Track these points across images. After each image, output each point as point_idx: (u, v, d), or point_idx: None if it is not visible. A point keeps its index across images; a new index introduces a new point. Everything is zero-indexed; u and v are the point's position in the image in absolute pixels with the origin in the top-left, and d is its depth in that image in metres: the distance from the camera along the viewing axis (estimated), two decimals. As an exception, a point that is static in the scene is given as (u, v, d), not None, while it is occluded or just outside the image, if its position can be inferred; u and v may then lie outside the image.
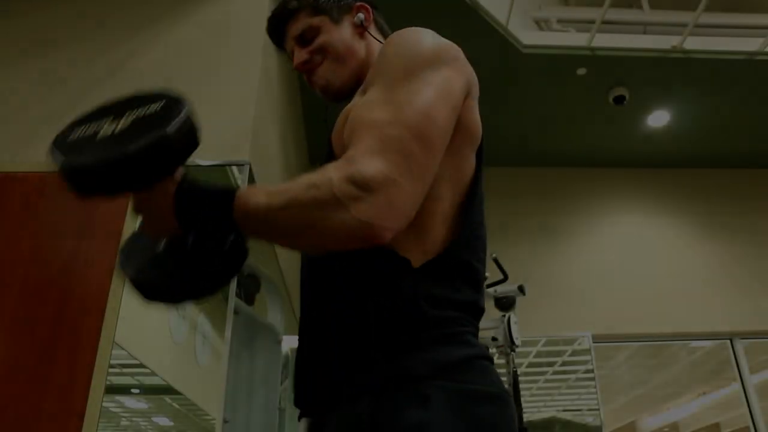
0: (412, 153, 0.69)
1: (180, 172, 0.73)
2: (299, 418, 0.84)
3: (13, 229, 2.02)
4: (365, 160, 0.67)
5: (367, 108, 0.76)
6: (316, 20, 0.99)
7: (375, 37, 1.03)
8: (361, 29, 1.01)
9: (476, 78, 0.86)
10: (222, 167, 2.17)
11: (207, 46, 2.44)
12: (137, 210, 0.75)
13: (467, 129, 0.83)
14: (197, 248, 0.72)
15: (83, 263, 1.97)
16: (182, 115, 0.70)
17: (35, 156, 2.17)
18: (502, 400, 0.74)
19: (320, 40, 0.98)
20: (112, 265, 1.95)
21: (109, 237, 1.99)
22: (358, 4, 1.03)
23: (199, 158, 2.17)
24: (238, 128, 2.24)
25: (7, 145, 2.22)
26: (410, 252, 0.77)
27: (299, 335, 0.86)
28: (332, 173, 0.66)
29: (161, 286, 0.75)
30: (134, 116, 0.73)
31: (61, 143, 0.73)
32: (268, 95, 2.61)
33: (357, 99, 0.86)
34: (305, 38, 1.00)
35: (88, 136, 0.73)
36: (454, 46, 0.84)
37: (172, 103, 0.73)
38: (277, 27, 1.03)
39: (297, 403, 0.84)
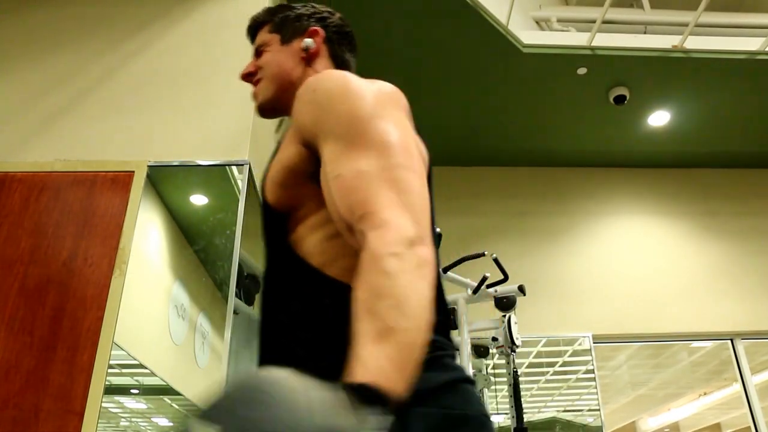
0: (414, 189, 0.69)
1: None
2: None
3: (13, 229, 2.02)
4: (397, 218, 0.65)
5: (347, 161, 0.72)
6: (268, 37, 1.03)
7: (318, 69, 1.00)
8: (305, 54, 1.00)
9: (407, 102, 0.85)
10: (222, 167, 2.17)
11: (207, 46, 2.44)
12: None
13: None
14: None
15: (83, 263, 1.96)
16: None
17: (35, 156, 2.17)
18: (480, 422, 0.73)
19: (263, 57, 1.02)
20: (112, 264, 1.95)
21: (109, 237, 1.99)
22: (313, 28, 1.02)
23: (199, 158, 2.17)
24: (238, 128, 2.24)
25: (7, 145, 2.21)
26: None
27: (260, 356, 0.84)
28: (394, 248, 0.62)
29: None
30: None
31: None
32: (268, 95, 2.61)
33: (289, 148, 0.84)
34: (257, 52, 1.05)
35: None
36: (381, 83, 0.84)
37: None
38: (251, 32, 1.09)
39: None
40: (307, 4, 1.08)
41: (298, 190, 0.83)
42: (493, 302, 3.03)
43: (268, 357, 0.83)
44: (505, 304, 2.99)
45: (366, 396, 0.54)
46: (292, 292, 0.81)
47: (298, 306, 0.80)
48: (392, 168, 0.69)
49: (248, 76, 1.05)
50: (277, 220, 0.86)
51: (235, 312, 1.97)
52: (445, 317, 0.82)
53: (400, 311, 0.58)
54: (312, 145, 0.79)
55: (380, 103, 0.78)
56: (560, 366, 4.11)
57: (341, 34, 1.05)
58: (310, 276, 0.79)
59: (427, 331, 0.60)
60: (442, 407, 0.71)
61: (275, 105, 1.01)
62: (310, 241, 0.81)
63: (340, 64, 1.03)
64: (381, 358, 0.56)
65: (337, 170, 0.72)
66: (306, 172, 0.82)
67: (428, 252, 0.64)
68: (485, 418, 0.74)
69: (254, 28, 1.07)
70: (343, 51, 1.05)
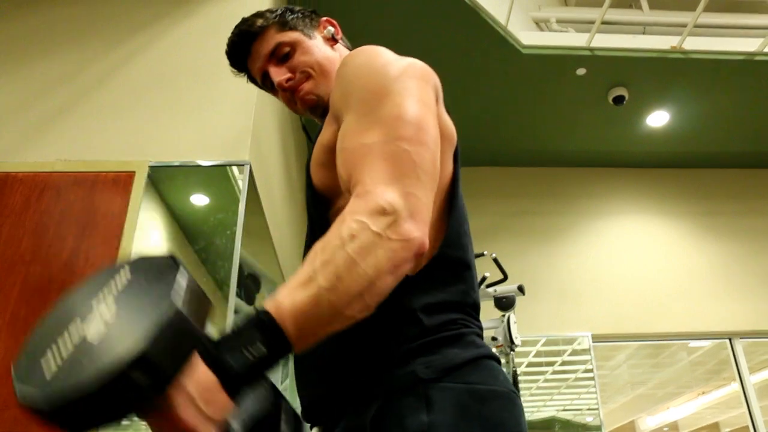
0: (416, 163, 0.69)
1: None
2: (311, 428, 0.85)
3: (14, 229, 2.02)
4: (379, 188, 0.65)
5: (355, 135, 0.73)
6: (287, 37, 0.98)
7: (346, 47, 1.05)
8: (332, 41, 1.02)
9: (439, 81, 0.85)
10: (222, 167, 2.18)
11: (207, 46, 2.44)
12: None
13: (443, 133, 0.82)
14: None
15: (83, 263, 1.97)
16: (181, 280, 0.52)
17: (35, 156, 2.18)
18: (509, 398, 0.73)
19: (302, 57, 0.97)
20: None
21: (110, 237, 1.99)
22: (324, 19, 1.05)
23: (199, 158, 2.18)
24: (238, 128, 2.25)
25: (7, 145, 2.22)
26: None
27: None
28: (359, 216, 0.63)
29: None
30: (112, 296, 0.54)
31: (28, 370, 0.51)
32: (269, 95, 2.61)
33: (328, 128, 0.84)
34: (278, 55, 0.98)
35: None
36: (413, 60, 0.84)
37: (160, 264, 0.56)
38: (242, 47, 1.01)
39: (305, 415, 0.83)
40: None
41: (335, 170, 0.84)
42: (492, 302, 3.04)
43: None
44: (505, 303, 2.99)
45: (259, 321, 0.56)
46: None
47: None
48: (395, 141, 0.70)
49: (288, 81, 0.97)
50: (320, 206, 0.85)
51: (236, 311, 1.98)
52: (472, 294, 0.82)
53: (329, 271, 0.59)
54: (342, 121, 0.79)
55: (405, 77, 0.78)
56: (559, 365, 4.12)
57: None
58: None
59: (351, 305, 0.60)
60: (467, 383, 0.71)
61: None
62: None
63: (345, 42, 1.07)
64: (294, 299, 0.58)
65: (345, 143, 0.74)
66: None
67: (408, 228, 0.63)
68: (513, 394, 0.74)
69: (253, 36, 1.00)
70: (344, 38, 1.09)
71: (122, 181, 2.09)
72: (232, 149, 2.19)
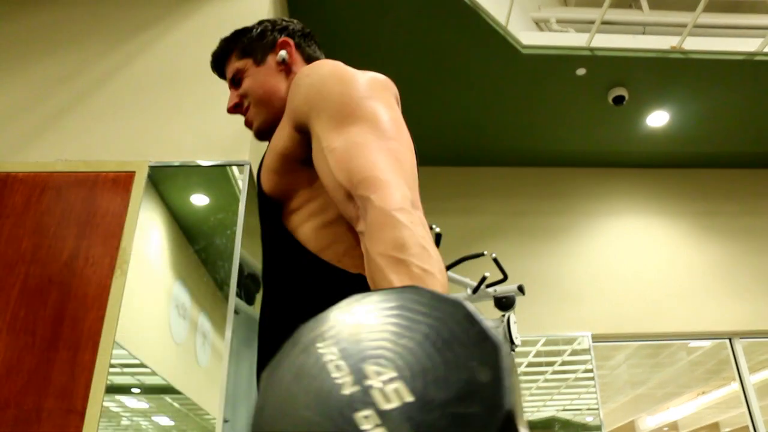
0: (410, 162, 0.72)
1: None
2: None
3: (15, 229, 2.02)
4: (394, 180, 0.66)
5: (340, 135, 0.74)
6: (241, 63, 1.02)
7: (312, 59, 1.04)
8: (284, 66, 1.02)
9: (398, 94, 0.88)
10: (222, 167, 2.18)
11: (207, 46, 2.44)
12: None
13: None
14: None
15: (83, 263, 1.97)
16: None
17: (37, 156, 2.18)
18: None
19: (244, 85, 1.02)
20: (112, 264, 1.96)
21: (110, 237, 1.99)
22: (282, 40, 1.03)
23: (199, 158, 2.18)
24: (238, 128, 2.25)
25: (7, 145, 2.22)
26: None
27: (259, 341, 0.86)
28: (403, 204, 0.63)
29: None
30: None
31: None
32: (268, 95, 2.61)
33: (281, 134, 0.87)
34: (234, 81, 1.03)
35: None
36: (373, 73, 0.87)
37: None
38: (217, 67, 1.08)
39: None
40: (261, 21, 1.08)
41: (291, 176, 0.86)
42: (492, 302, 3.04)
43: (270, 344, 0.85)
44: (505, 303, 2.99)
45: None
46: (293, 276, 0.84)
47: (299, 288, 0.82)
48: (385, 139, 0.72)
49: (235, 108, 1.03)
50: (273, 210, 0.88)
51: (236, 311, 1.98)
52: None
53: (428, 257, 0.59)
54: (304, 127, 0.82)
55: (372, 87, 0.81)
56: (559, 365, 4.12)
57: (306, 36, 1.07)
58: (310, 260, 0.82)
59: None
60: None
61: (273, 124, 1.00)
62: (304, 230, 0.84)
63: (310, 59, 1.05)
64: None
65: (333, 144, 0.74)
66: (299, 157, 0.84)
67: (424, 217, 0.66)
68: None
69: (220, 61, 1.07)
70: (314, 50, 1.07)
71: (122, 181, 2.10)
72: (232, 149, 2.20)
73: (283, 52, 1.01)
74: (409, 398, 0.35)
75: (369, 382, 0.36)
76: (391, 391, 0.35)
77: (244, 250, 2.03)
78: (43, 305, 1.90)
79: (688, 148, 4.47)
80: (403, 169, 0.69)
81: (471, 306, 0.39)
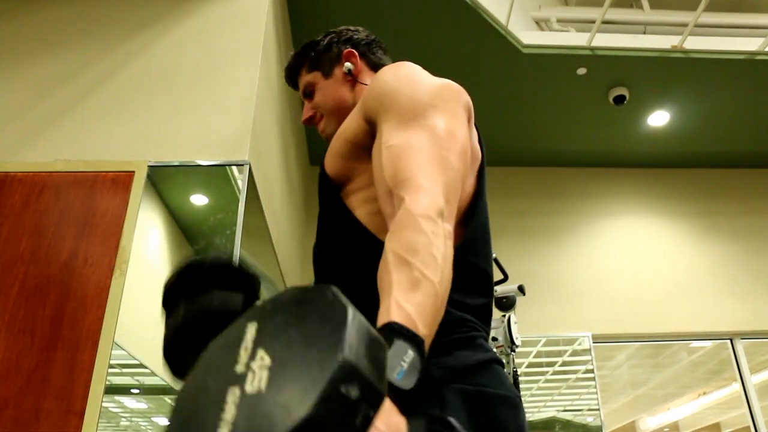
0: (456, 170, 0.75)
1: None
2: None
3: (14, 229, 2.02)
4: (430, 188, 0.70)
5: (400, 136, 0.79)
6: (311, 77, 1.10)
7: (366, 83, 1.08)
8: (350, 77, 1.08)
9: (471, 103, 0.93)
10: (221, 167, 2.18)
11: (207, 46, 2.44)
12: None
13: (471, 151, 0.90)
14: None
15: (83, 263, 1.97)
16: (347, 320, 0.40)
17: (36, 156, 2.18)
18: (515, 404, 0.76)
19: (316, 98, 1.09)
20: (112, 264, 1.95)
21: (110, 237, 1.99)
22: (347, 51, 1.09)
23: (199, 158, 2.18)
24: (238, 128, 2.24)
25: (6, 145, 2.22)
26: None
27: None
28: (429, 212, 0.66)
29: None
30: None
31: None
32: (268, 95, 2.61)
33: (350, 122, 0.92)
34: (306, 93, 1.11)
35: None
36: (448, 80, 0.91)
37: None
38: (291, 80, 1.15)
39: None
40: (328, 31, 1.13)
41: (353, 162, 0.91)
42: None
43: None
44: (505, 303, 2.99)
45: (399, 333, 0.56)
46: (352, 254, 0.87)
47: (358, 265, 0.84)
48: (439, 148, 0.76)
49: (310, 120, 1.10)
50: (333, 191, 0.93)
51: (236, 312, 1.97)
52: (486, 300, 0.86)
53: (434, 266, 0.62)
54: (372, 120, 0.86)
55: (441, 95, 0.85)
56: (560, 366, 4.11)
57: (371, 44, 1.12)
58: (370, 240, 0.84)
59: (448, 290, 0.65)
60: (477, 385, 0.73)
61: None
62: (362, 212, 0.88)
63: (375, 66, 1.11)
64: (412, 303, 0.60)
65: (391, 141, 0.79)
66: (363, 145, 0.89)
67: (451, 230, 0.69)
68: (518, 399, 0.77)
69: (293, 75, 1.13)
70: (379, 57, 1.13)
71: (122, 181, 2.09)
72: (231, 149, 2.19)
73: (348, 64, 1.08)
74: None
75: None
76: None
77: (243, 250, 2.03)
78: (42, 305, 1.90)
79: (689, 147, 4.47)
80: (445, 179, 0.72)
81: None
